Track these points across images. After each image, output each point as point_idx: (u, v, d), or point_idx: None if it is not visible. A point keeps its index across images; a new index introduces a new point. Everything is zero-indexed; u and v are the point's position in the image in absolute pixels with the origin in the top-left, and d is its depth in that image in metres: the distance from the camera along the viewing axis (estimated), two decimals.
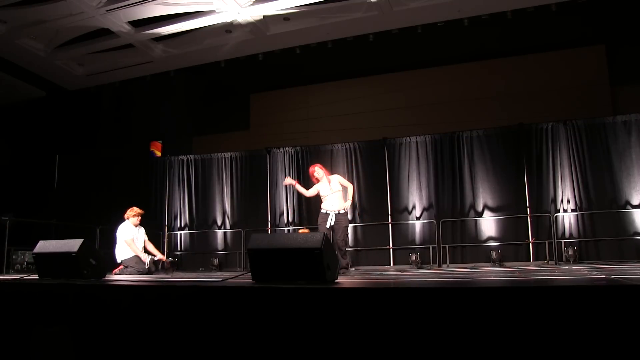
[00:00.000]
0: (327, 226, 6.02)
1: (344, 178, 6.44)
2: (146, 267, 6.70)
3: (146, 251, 6.95)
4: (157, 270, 6.85)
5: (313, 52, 9.72)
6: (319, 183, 6.33)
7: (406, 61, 11.16)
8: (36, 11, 8.37)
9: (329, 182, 6.25)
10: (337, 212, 6.07)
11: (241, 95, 12.76)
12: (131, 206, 7.03)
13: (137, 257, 6.69)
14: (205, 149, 11.93)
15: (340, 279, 3.72)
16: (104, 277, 4.82)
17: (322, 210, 6.18)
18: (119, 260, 6.76)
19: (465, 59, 11.00)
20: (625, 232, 8.38)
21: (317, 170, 6.33)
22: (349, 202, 6.27)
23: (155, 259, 6.86)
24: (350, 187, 6.30)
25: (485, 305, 2.32)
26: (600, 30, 9.90)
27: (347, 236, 6.18)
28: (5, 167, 11.45)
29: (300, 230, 7.78)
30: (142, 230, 7.03)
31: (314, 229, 8.82)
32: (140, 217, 6.93)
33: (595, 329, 2.12)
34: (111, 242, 7.14)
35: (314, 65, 10.98)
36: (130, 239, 6.72)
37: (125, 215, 6.92)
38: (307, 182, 10.30)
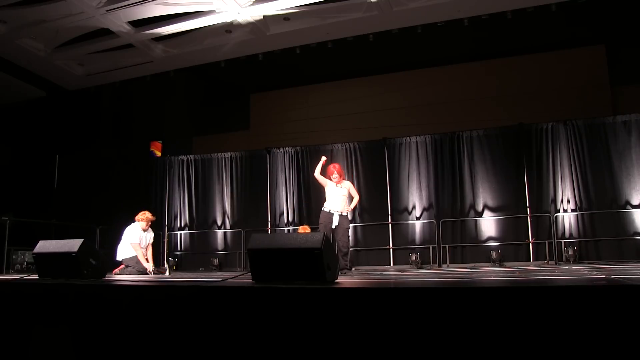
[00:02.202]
0: (334, 226, 6.11)
1: (354, 188, 6.55)
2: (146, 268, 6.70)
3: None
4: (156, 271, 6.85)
5: (313, 52, 9.71)
6: (332, 183, 6.39)
7: (406, 61, 11.15)
8: (36, 11, 8.37)
9: (339, 184, 6.34)
10: (340, 214, 6.18)
11: (241, 95, 12.76)
12: (141, 209, 7.03)
13: (138, 257, 6.68)
14: (205, 149, 11.93)
15: (340, 279, 3.72)
16: (104, 277, 4.82)
17: (325, 209, 6.24)
18: (119, 258, 6.75)
19: (465, 59, 10.99)
20: (625, 232, 8.38)
21: (335, 174, 6.38)
22: (351, 207, 6.42)
23: (148, 268, 6.71)
24: (356, 199, 6.46)
25: (485, 305, 2.32)
26: (600, 30, 9.90)
27: (349, 237, 6.27)
28: (5, 167, 11.44)
29: (301, 228, 7.79)
30: (150, 234, 7.00)
31: (314, 228, 8.86)
32: (149, 223, 6.93)
33: (595, 329, 2.12)
34: (111, 242, 7.14)
35: (314, 65, 10.98)
36: (137, 244, 6.71)
37: (136, 218, 6.90)
38: (307, 181, 10.34)
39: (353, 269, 6.60)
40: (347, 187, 6.39)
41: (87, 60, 10.26)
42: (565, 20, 9.13)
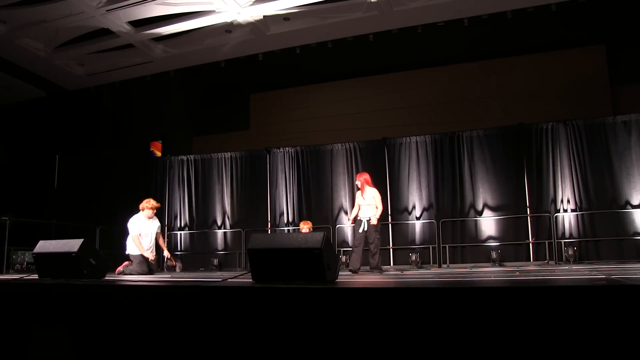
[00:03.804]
0: (360, 231, 6.65)
1: (379, 199, 6.80)
2: (149, 263, 6.68)
3: (157, 245, 6.90)
4: (159, 269, 6.85)
5: (313, 52, 9.72)
6: (359, 193, 6.87)
7: (406, 61, 11.15)
8: (36, 11, 8.37)
9: (363, 192, 6.77)
10: (368, 219, 6.63)
11: (241, 95, 12.76)
12: (146, 198, 6.97)
13: (142, 256, 6.62)
14: (205, 149, 11.93)
15: (340, 279, 3.72)
16: (104, 277, 4.82)
17: (358, 218, 6.79)
18: (127, 252, 6.71)
19: (465, 59, 11.00)
20: (625, 232, 8.38)
21: (358, 182, 6.91)
22: (374, 219, 6.67)
23: (163, 254, 6.86)
24: (379, 210, 6.73)
25: (486, 305, 2.32)
26: (600, 30, 9.90)
27: (379, 240, 6.68)
28: (5, 167, 11.44)
29: (302, 223, 7.99)
30: (156, 222, 6.90)
31: (316, 227, 8.98)
32: (154, 210, 6.80)
33: (595, 329, 2.12)
34: (111, 242, 7.14)
35: (314, 65, 10.97)
36: (137, 235, 6.61)
37: (140, 207, 6.79)
38: (307, 182, 10.34)
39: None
40: (371, 195, 6.74)
41: (87, 60, 10.25)
42: (565, 21, 9.14)
